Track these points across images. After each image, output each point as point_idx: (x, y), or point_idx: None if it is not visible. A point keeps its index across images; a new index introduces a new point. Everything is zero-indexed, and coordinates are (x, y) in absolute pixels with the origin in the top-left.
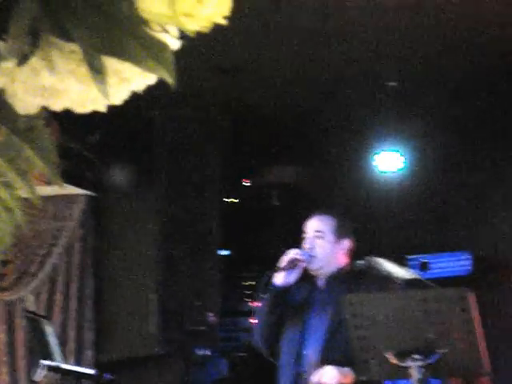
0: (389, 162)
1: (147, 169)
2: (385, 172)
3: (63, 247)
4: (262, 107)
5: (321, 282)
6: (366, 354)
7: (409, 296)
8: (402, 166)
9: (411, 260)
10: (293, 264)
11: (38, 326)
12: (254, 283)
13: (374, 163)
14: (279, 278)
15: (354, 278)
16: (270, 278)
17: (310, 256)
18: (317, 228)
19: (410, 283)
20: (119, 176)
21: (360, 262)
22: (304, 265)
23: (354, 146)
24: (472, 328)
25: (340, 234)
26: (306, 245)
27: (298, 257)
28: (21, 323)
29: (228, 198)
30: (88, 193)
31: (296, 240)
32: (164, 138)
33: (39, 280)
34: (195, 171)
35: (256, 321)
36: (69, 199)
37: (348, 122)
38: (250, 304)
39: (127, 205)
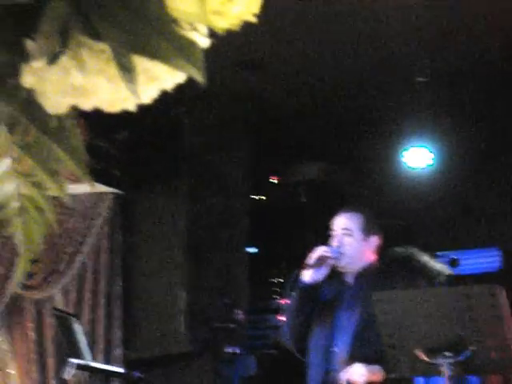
0: (418, 158)
1: (175, 166)
2: (414, 168)
3: (91, 245)
4: (289, 104)
5: (349, 279)
6: (396, 351)
7: (438, 293)
8: (431, 162)
9: (441, 257)
10: (321, 261)
11: (67, 325)
12: (281, 280)
13: (403, 159)
14: (307, 276)
15: (382, 275)
16: (299, 275)
17: (339, 253)
18: (344, 225)
19: (447, 278)
20: (147, 174)
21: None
22: (332, 262)
23: (382, 142)
24: (502, 324)
25: (368, 230)
26: (334, 242)
27: (326, 254)
28: (50, 322)
29: (256, 195)
30: (115, 191)
31: (323, 237)
32: (191, 136)
33: (68, 278)
34: (223, 168)
35: (284, 318)
36: (96, 197)
37: (377, 117)
38: (278, 301)
39: (155, 203)
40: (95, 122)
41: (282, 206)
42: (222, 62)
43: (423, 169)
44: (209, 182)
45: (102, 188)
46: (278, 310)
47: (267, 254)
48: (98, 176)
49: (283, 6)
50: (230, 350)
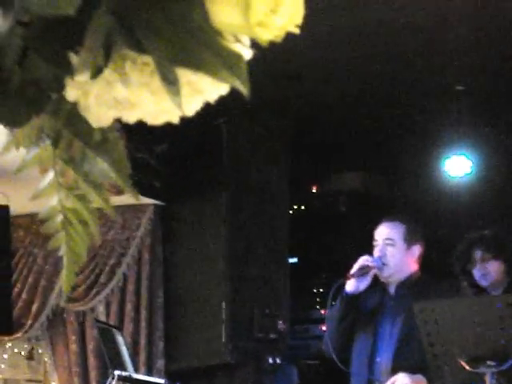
0: (458, 166)
1: (215, 177)
2: (454, 177)
3: (132, 257)
4: (329, 113)
5: (392, 289)
6: (439, 361)
7: (480, 302)
8: (469, 170)
9: None
10: (364, 271)
11: (109, 336)
12: (322, 290)
13: (444, 168)
14: (350, 285)
15: (425, 284)
16: (341, 285)
17: (382, 263)
18: (387, 236)
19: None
20: (187, 185)
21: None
22: (375, 272)
23: (422, 151)
24: None
25: (410, 240)
26: (377, 252)
27: (369, 264)
28: (92, 333)
29: (296, 205)
30: (156, 202)
31: (364, 247)
32: (231, 146)
33: (109, 290)
34: (263, 179)
35: (326, 328)
36: (137, 209)
37: (416, 126)
38: (319, 311)
39: (195, 214)
40: (135, 133)
41: (322, 215)
42: (260, 73)
43: (462, 177)
44: (249, 192)
45: (142, 199)
46: (319, 320)
47: (308, 263)
48: (138, 187)
49: (323, 17)
50: (271, 360)
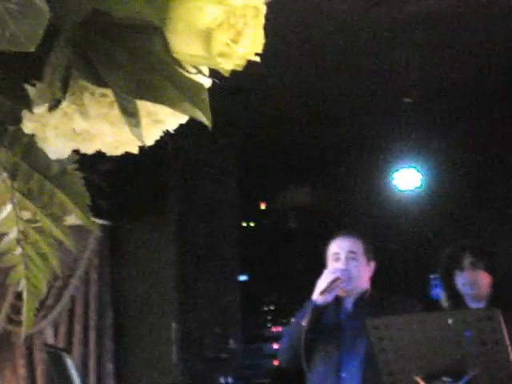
0: (407, 179)
1: (162, 195)
2: (404, 190)
3: (80, 278)
4: (275, 128)
5: (348, 304)
6: (395, 378)
7: (435, 318)
8: (419, 183)
9: (434, 279)
10: (335, 284)
11: (59, 360)
12: (274, 308)
13: (393, 181)
14: (321, 298)
15: (380, 301)
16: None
17: (348, 276)
18: (350, 249)
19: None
20: (134, 204)
21: None
22: (343, 285)
23: (371, 165)
24: (504, 347)
25: (369, 255)
26: (341, 265)
27: (339, 276)
28: (40, 357)
29: (245, 222)
30: (102, 222)
31: (315, 263)
32: (177, 163)
33: (57, 312)
34: (211, 196)
35: (287, 340)
36: (83, 229)
37: (364, 140)
38: (271, 329)
39: (143, 233)
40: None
41: (272, 231)
42: (208, 89)
43: (412, 191)
44: (197, 209)
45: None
46: (271, 338)
47: (258, 281)
48: None
49: (272, 31)
50: (223, 380)
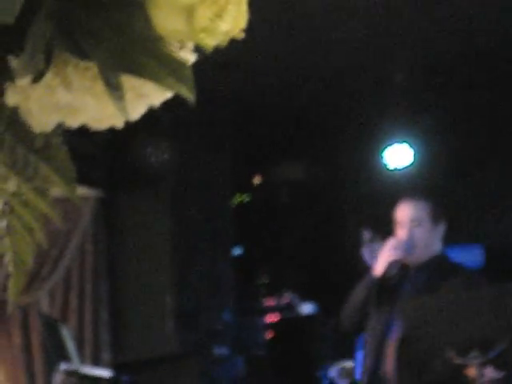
0: (398, 156)
1: (158, 167)
2: (394, 167)
3: (75, 249)
4: (270, 104)
5: (413, 271)
6: (427, 356)
7: (469, 295)
8: (411, 160)
9: None
10: (395, 263)
11: (54, 330)
12: (268, 281)
13: (383, 157)
14: (379, 270)
15: (445, 268)
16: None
17: (410, 247)
18: (413, 216)
19: None
20: (130, 175)
21: None
22: (404, 256)
23: (362, 141)
24: None
25: (437, 218)
26: (403, 236)
27: (400, 254)
28: (36, 326)
29: (240, 195)
30: (98, 193)
31: (307, 236)
32: (173, 136)
33: (53, 282)
34: (206, 169)
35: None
36: (79, 200)
37: (357, 116)
38: (264, 302)
39: (139, 204)
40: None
41: (266, 205)
42: (201, 63)
43: (404, 167)
44: (192, 182)
45: (84, 190)
46: (265, 311)
47: (253, 254)
48: (79, 178)
49: (260, 8)
50: (218, 351)
